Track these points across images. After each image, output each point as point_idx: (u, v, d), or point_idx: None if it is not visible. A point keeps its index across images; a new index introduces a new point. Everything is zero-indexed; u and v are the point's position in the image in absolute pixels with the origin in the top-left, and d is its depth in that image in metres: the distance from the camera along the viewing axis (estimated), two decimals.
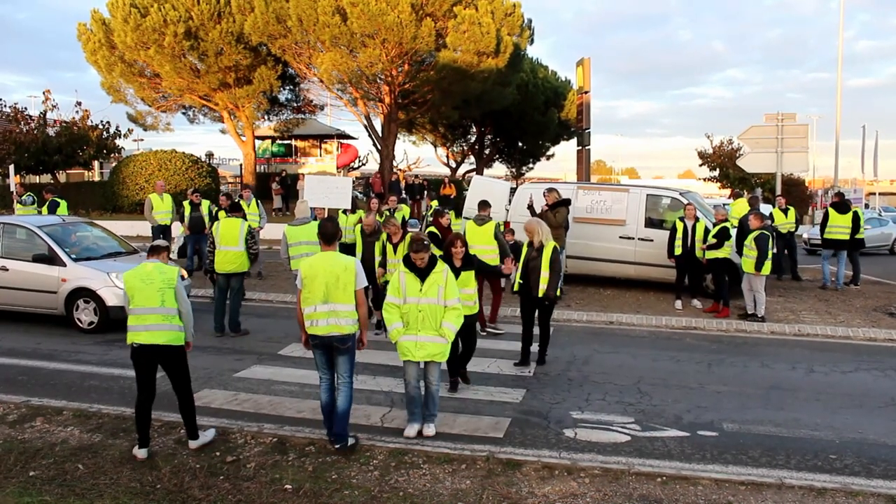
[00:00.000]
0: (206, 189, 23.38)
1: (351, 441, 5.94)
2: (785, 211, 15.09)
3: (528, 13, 52.23)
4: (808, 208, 33.54)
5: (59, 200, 15.12)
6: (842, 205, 14.45)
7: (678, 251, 11.98)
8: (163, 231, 15.25)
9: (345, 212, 13.42)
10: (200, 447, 5.98)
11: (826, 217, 14.54)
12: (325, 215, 11.74)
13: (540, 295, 8.41)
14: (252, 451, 5.95)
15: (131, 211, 24.42)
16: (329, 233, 6.02)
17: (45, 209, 14.83)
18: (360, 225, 10.65)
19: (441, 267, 6.33)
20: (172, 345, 5.86)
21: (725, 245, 11.56)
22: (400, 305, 6.28)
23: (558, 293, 12.24)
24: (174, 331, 5.86)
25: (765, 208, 15.17)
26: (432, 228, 11.36)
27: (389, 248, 9.73)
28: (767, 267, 10.96)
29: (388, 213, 11.90)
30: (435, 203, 14.69)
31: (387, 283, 9.42)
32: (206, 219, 14.41)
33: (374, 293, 9.87)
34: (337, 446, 5.86)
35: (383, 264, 9.82)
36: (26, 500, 5.01)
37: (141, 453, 5.82)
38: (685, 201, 12.87)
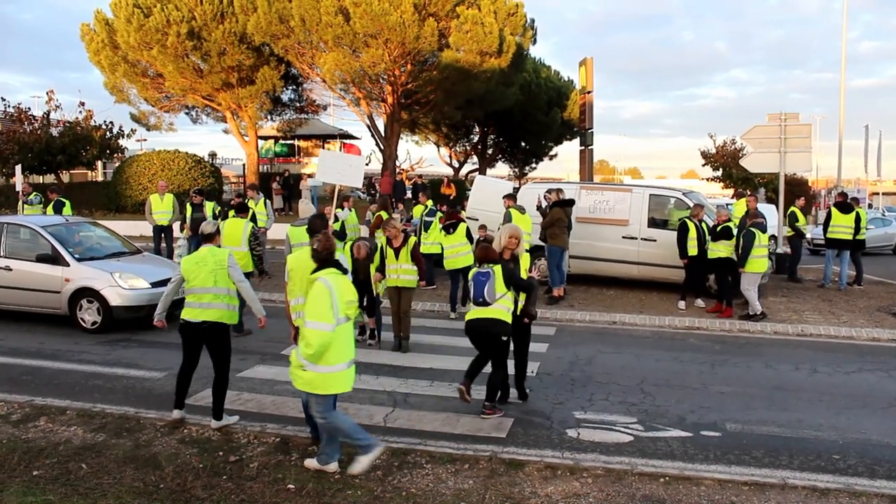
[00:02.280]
0: (210, 189, 23.40)
1: None
2: (805, 212, 15.20)
3: (531, 13, 52.01)
4: (812, 208, 33.50)
5: (63, 200, 15.15)
6: (845, 205, 14.48)
7: (693, 252, 11.93)
8: (162, 231, 15.26)
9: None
10: (221, 428, 6.34)
11: (829, 217, 14.57)
12: (332, 215, 11.66)
13: (517, 313, 7.03)
14: (255, 450, 5.96)
15: (134, 211, 24.44)
16: (316, 228, 6.24)
17: (50, 209, 14.87)
18: (349, 245, 9.56)
19: (316, 276, 5.28)
20: (220, 322, 6.36)
21: (727, 244, 11.53)
22: None
23: (562, 292, 12.39)
24: (224, 309, 6.38)
25: (769, 209, 15.17)
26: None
27: (390, 252, 9.15)
28: (755, 265, 10.96)
29: (388, 216, 11.71)
30: (430, 203, 14.68)
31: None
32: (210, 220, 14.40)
33: (370, 300, 9.51)
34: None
35: (381, 269, 9.27)
36: (30, 500, 5.02)
37: (176, 413, 6.51)
38: (690, 202, 12.87)
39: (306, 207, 11.02)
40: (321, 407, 5.39)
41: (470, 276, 6.90)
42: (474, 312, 6.79)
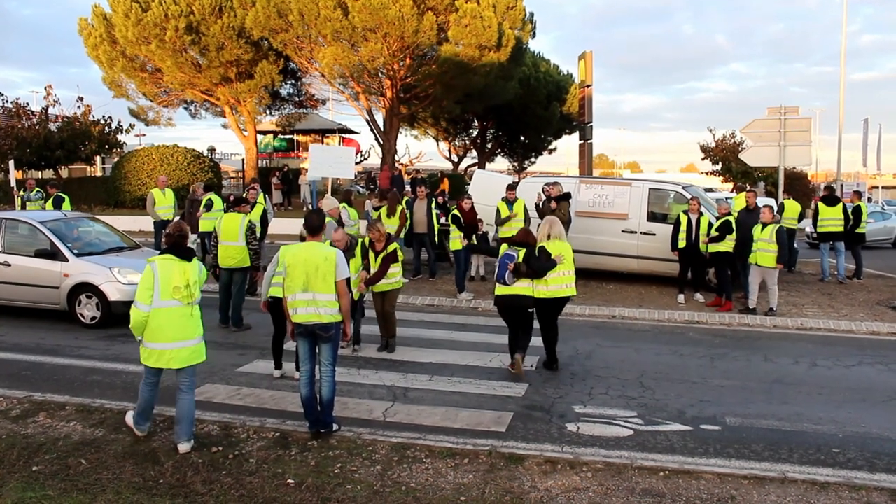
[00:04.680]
0: (209, 184, 23.29)
1: (335, 427, 6.24)
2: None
3: (530, 7, 51.68)
4: (811, 202, 33.45)
5: (63, 195, 15.14)
6: (831, 198, 14.56)
7: (682, 244, 11.94)
8: (164, 226, 15.25)
9: (376, 209, 13.61)
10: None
11: (817, 211, 14.66)
12: (338, 214, 11.54)
13: (574, 294, 8.32)
14: (254, 445, 5.95)
15: (133, 206, 24.41)
16: (314, 224, 6.22)
17: (49, 204, 14.84)
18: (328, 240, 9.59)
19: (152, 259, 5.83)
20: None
21: (727, 238, 11.53)
22: None
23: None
24: None
25: (768, 203, 15.16)
26: (455, 211, 12.66)
27: (372, 256, 8.75)
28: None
29: (372, 218, 11.25)
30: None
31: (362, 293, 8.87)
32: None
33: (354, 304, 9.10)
34: (323, 430, 6.15)
35: (367, 268, 8.74)
36: (29, 495, 5.02)
37: (276, 373, 7.84)
38: (688, 195, 12.85)
39: (329, 202, 10.79)
40: (180, 376, 5.90)
41: (500, 253, 8.15)
42: (502, 290, 8.04)
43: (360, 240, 8.99)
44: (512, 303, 8.02)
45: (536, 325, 8.44)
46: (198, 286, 5.91)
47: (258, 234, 10.23)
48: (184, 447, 5.79)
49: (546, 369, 8.30)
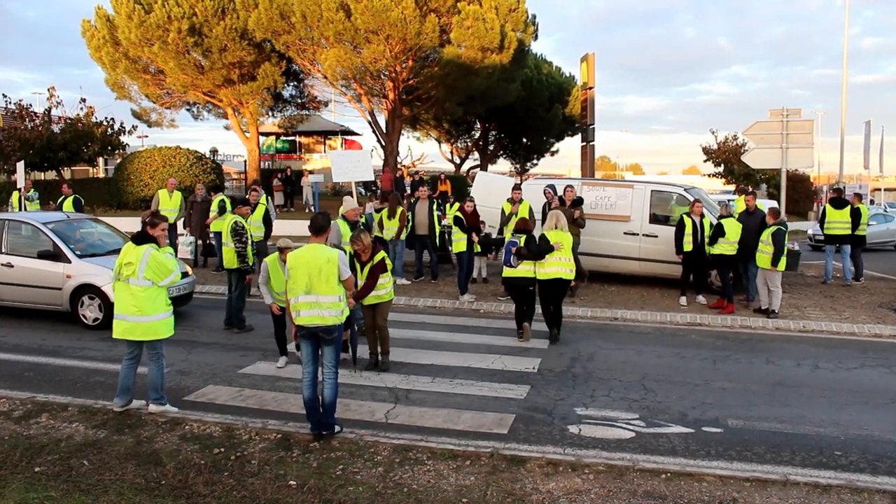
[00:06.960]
0: (211, 186, 23.32)
1: (337, 429, 6.24)
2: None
3: (533, 9, 51.84)
4: (813, 204, 33.48)
5: (80, 197, 15.23)
6: (839, 200, 14.54)
7: (688, 248, 11.91)
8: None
9: (378, 210, 13.69)
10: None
11: (824, 213, 14.66)
12: (356, 216, 11.39)
13: (570, 277, 9.70)
14: (256, 447, 5.96)
15: (136, 207, 24.41)
16: (318, 225, 6.25)
17: (69, 205, 14.77)
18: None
19: None
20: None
21: (720, 241, 11.49)
22: None
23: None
24: None
25: (771, 205, 15.16)
26: (458, 213, 13.05)
27: (358, 267, 8.15)
28: (783, 263, 10.97)
29: (358, 228, 10.43)
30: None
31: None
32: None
33: None
34: (325, 432, 6.15)
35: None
36: (32, 496, 5.03)
37: (281, 361, 8.37)
38: (691, 197, 12.84)
39: (348, 203, 10.52)
40: (145, 349, 6.75)
41: (505, 241, 9.93)
42: (508, 272, 9.62)
43: (346, 250, 8.11)
44: (516, 283, 9.60)
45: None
46: (132, 268, 6.47)
47: (247, 237, 10.06)
48: (151, 407, 6.68)
49: (551, 343, 9.51)
